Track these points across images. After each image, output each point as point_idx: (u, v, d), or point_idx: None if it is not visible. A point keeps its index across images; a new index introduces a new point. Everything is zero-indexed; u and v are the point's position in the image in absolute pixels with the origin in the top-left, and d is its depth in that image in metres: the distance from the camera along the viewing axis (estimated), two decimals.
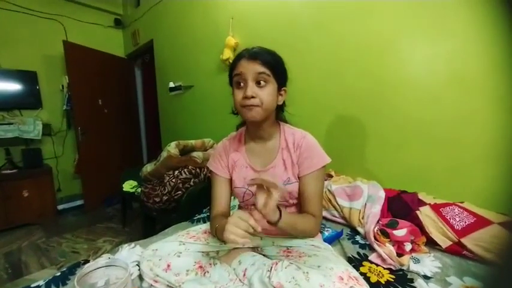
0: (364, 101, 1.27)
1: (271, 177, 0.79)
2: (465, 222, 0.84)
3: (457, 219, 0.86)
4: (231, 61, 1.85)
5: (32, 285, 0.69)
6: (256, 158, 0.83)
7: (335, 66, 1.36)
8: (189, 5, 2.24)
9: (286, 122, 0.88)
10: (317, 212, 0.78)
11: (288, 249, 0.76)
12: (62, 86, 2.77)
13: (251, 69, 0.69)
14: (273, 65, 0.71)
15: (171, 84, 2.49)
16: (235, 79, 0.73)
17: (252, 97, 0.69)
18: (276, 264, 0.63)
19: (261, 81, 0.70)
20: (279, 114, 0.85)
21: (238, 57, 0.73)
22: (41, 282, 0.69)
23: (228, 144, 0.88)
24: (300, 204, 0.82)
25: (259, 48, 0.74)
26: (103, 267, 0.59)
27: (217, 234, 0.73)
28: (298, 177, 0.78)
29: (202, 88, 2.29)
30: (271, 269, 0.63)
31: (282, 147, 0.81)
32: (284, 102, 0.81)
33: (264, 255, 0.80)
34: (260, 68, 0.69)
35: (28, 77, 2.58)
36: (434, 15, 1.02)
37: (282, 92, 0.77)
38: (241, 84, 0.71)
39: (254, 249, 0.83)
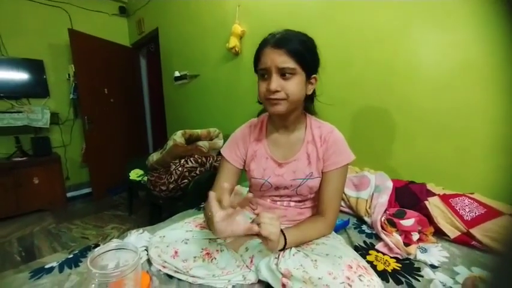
0: (371, 91, 1.24)
1: (292, 170, 0.76)
2: (475, 213, 0.83)
3: (467, 210, 0.85)
4: (237, 49, 1.84)
5: (46, 266, 0.71)
6: (279, 149, 0.79)
7: (343, 55, 1.32)
8: None
9: (313, 113, 0.83)
10: (333, 211, 0.74)
11: None
12: (68, 74, 2.78)
13: (275, 60, 0.64)
14: (300, 54, 0.64)
15: (177, 74, 2.47)
16: (259, 72, 0.69)
17: (277, 91, 0.65)
18: (284, 251, 0.64)
19: (286, 74, 0.65)
20: (307, 105, 0.80)
21: (262, 45, 0.68)
22: (55, 264, 0.72)
23: (249, 132, 0.83)
24: (316, 198, 0.80)
25: (287, 33, 0.67)
26: (113, 249, 0.60)
27: (208, 222, 0.67)
28: (321, 173, 0.76)
29: (208, 77, 2.27)
30: (278, 256, 0.63)
31: (307, 140, 0.77)
32: (315, 92, 0.76)
33: None
34: (285, 61, 0.63)
35: (35, 66, 2.60)
36: (443, 4, 0.98)
37: (312, 81, 0.72)
38: (265, 75, 0.67)
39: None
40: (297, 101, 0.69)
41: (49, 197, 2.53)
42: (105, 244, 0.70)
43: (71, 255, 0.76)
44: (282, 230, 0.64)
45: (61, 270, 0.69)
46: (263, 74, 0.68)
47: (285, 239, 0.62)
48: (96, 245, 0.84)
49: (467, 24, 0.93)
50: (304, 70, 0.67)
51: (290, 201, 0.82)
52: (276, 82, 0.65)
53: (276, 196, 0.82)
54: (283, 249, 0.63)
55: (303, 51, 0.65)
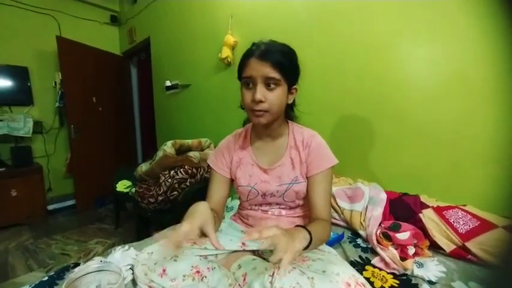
0: (365, 101, 1.26)
1: (277, 176, 0.78)
2: (469, 226, 0.83)
3: (461, 222, 0.84)
4: (229, 60, 1.84)
5: None
6: (263, 155, 0.81)
7: (336, 66, 1.34)
8: (187, 2, 2.21)
9: (294, 120, 0.86)
10: (328, 214, 0.75)
11: None
12: (55, 82, 2.70)
13: (261, 72, 0.66)
14: (284, 66, 0.67)
15: (168, 83, 2.44)
16: (243, 80, 0.71)
17: (261, 101, 0.67)
18: (279, 268, 0.60)
19: (271, 84, 0.67)
20: (288, 112, 0.83)
21: (247, 55, 0.70)
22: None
23: (233, 141, 0.86)
24: (306, 206, 0.80)
25: (271, 44, 0.70)
26: (94, 272, 0.55)
27: None
28: (307, 177, 0.77)
29: (199, 87, 2.26)
30: (273, 274, 0.59)
31: (290, 145, 0.79)
32: (294, 101, 0.79)
33: (264, 258, 0.77)
34: (270, 72, 0.66)
35: (19, 73, 2.51)
36: (436, 14, 1.01)
37: (293, 91, 0.75)
38: (250, 85, 0.69)
39: (254, 252, 0.80)
40: (277, 112, 0.72)
41: (28, 210, 2.38)
42: (85, 264, 0.65)
43: (46, 278, 0.69)
44: (301, 226, 0.61)
45: None
46: (247, 82, 0.69)
47: (310, 235, 0.57)
48: (76, 264, 0.78)
49: (459, 35, 0.96)
50: (286, 81, 0.70)
51: (280, 209, 0.82)
52: (260, 92, 0.67)
53: (265, 205, 0.83)
54: (306, 247, 0.58)
55: (286, 64, 0.68)
